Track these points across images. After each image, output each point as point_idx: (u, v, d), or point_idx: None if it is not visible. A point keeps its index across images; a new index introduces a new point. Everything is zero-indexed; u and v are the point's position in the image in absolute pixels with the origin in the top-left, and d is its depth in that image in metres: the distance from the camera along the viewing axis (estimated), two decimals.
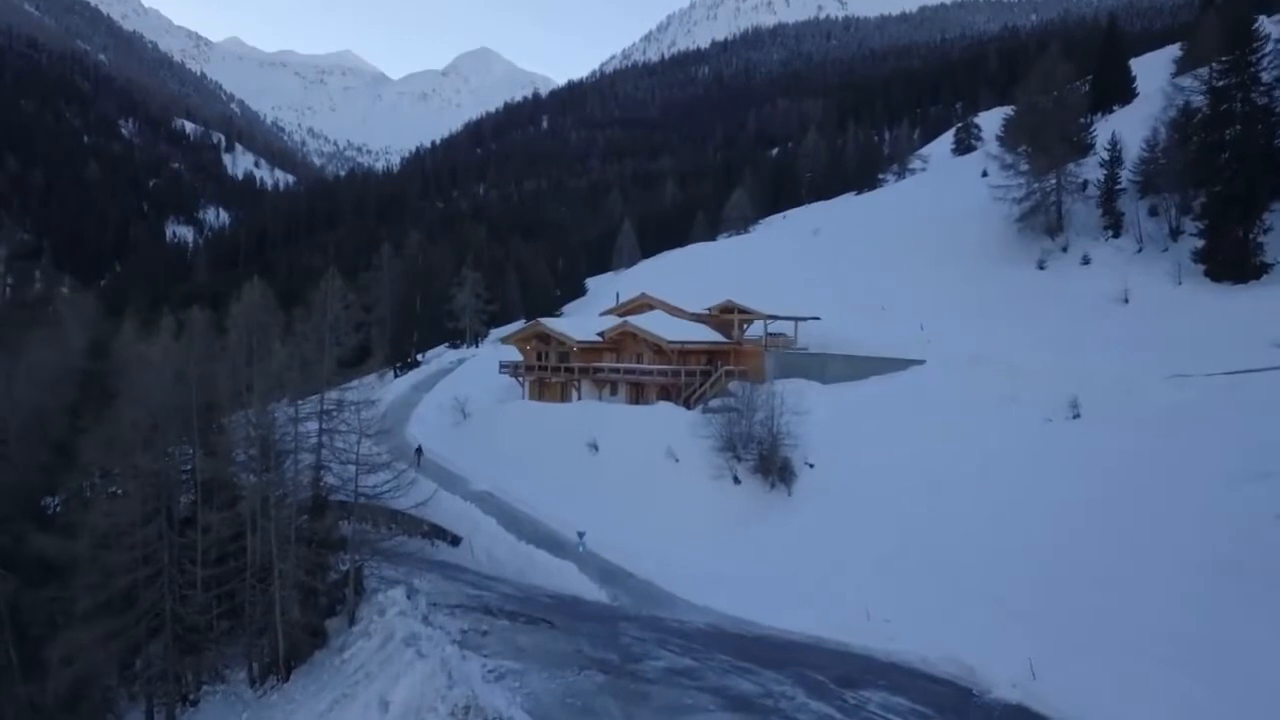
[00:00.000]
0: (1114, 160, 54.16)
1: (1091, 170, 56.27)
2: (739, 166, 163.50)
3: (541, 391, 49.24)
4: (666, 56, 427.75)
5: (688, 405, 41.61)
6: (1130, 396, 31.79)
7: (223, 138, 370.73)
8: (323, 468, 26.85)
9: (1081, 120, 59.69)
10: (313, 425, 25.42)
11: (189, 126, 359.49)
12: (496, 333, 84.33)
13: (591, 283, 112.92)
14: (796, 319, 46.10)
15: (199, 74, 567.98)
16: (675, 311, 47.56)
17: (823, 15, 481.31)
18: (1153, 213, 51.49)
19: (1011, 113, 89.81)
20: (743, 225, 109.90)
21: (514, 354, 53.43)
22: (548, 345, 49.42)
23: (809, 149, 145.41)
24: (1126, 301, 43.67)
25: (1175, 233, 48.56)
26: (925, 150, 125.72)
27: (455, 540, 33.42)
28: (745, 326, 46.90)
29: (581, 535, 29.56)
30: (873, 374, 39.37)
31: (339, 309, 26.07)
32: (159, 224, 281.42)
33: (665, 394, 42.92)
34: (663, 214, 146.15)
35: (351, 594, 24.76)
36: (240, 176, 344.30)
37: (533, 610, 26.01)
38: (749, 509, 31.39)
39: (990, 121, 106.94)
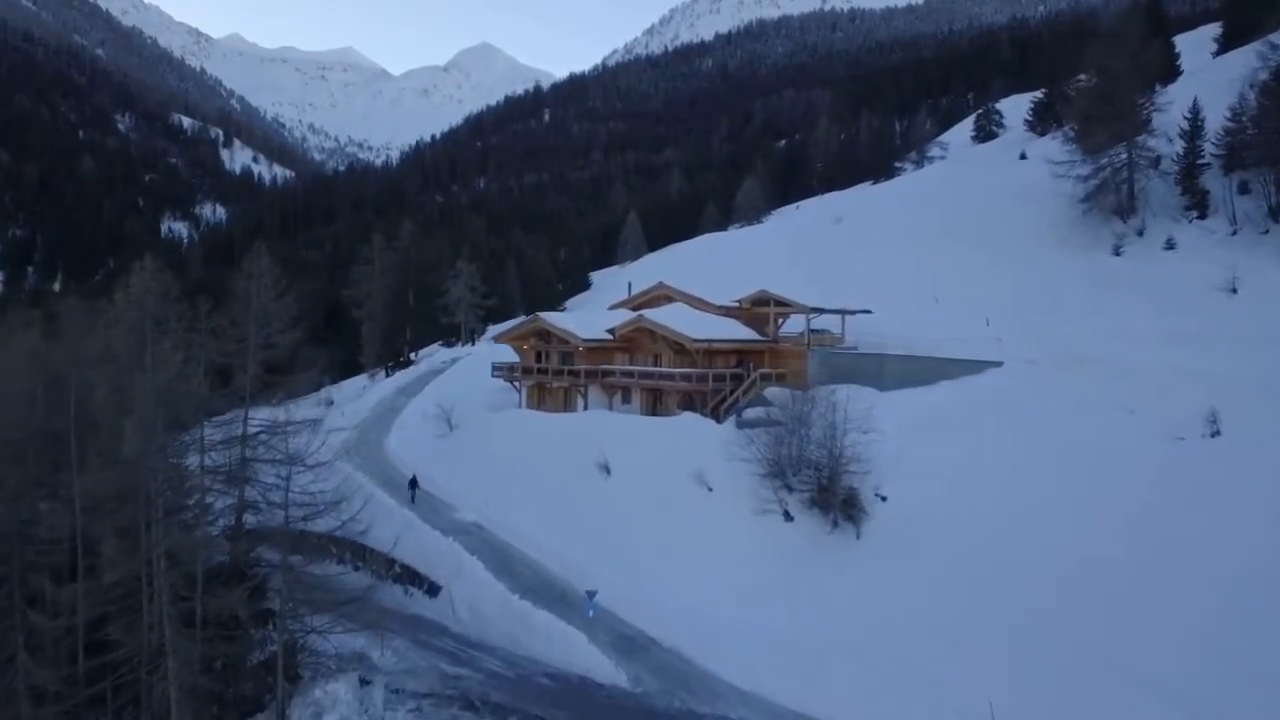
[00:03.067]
0: (1194, 131, 47.47)
1: (1159, 146, 49.64)
2: (748, 157, 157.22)
3: (541, 398, 42.59)
4: (669, 49, 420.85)
5: (715, 416, 34.95)
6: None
7: (221, 133, 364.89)
8: (250, 508, 20.31)
9: (1152, 90, 52.92)
10: (227, 455, 18.82)
11: (186, 122, 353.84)
12: (495, 329, 77.98)
13: (596, 277, 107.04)
14: (844, 312, 39.29)
15: (199, 70, 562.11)
16: (698, 304, 40.80)
17: (827, 7, 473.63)
18: (1243, 190, 44.87)
19: (1041, 95, 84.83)
20: (754, 216, 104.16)
21: (509, 354, 46.76)
22: (548, 344, 42.77)
23: (820, 138, 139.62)
24: (1234, 291, 36.99)
25: (1277, 212, 41.87)
26: (944, 138, 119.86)
27: (433, 589, 26.89)
28: (781, 321, 40.09)
29: (591, 596, 22.91)
30: (941, 378, 32.71)
31: (269, 299, 19.50)
32: (155, 219, 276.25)
33: (688, 402, 36.26)
34: (669, 206, 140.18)
35: (281, 684, 18.20)
36: (238, 172, 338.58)
37: (528, 701, 19.48)
38: (806, 555, 24.65)
39: (1011, 108, 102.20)
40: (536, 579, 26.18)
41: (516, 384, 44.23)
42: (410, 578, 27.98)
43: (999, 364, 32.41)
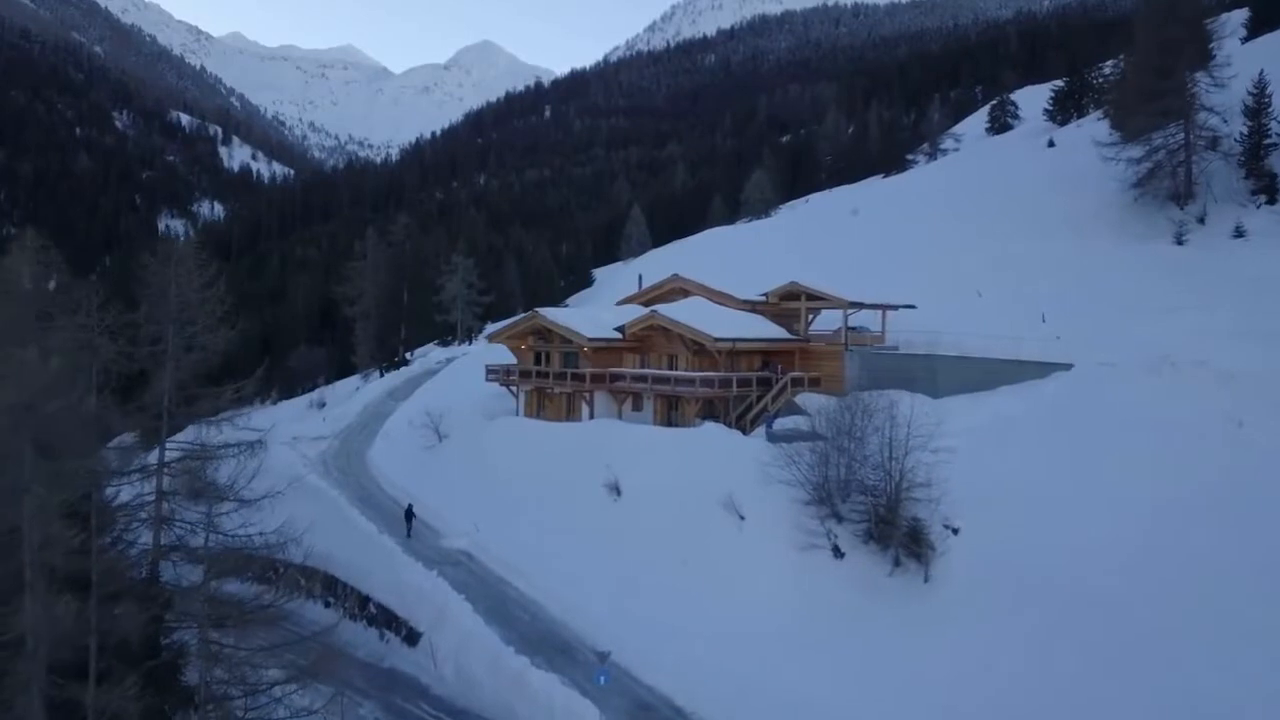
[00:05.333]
0: (1260, 108, 43.20)
1: (1215, 125, 45.37)
2: (753, 151, 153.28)
3: (541, 405, 38.30)
4: (671, 45, 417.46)
5: (740, 426, 30.66)
6: None
7: (219, 130, 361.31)
8: (175, 550, 16.11)
9: (1204, 66, 48.57)
10: (136, 491, 14.58)
11: (185, 119, 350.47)
12: (493, 328, 73.91)
13: (599, 273, 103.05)
14: (885, 307, 34.93)
15: (198, 68, 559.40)
16: (718, 298, 36.42)
17: (831, 2, 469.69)
18: None
19: (1061, 84, 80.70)
20: (763, 209, 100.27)
21: (507, 355, 42.47)
22: (549, 344, 38.48)
23: (828, 131, 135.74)
24: None
25: None
26: (957, 130, 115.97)
27: (412, 636, 22.68)
28: (812, 318, 35.70)
29: (604, 659, 18.59)
30: (1001, 383, 28.47)
31: (192, 290, 15.27)
32: (152, 217, 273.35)
33: (708, 410, 31.96)
34: (673, 200, 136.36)
35: None
36: (237, 170, 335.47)
37: None
38: (862, 602, 20.33)
39: (1025, 99, 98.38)
40: (535, 625, 21.97)
41: (513, 389, 40.01)
42: (386, 620, 23.83)
43: (1068, 366, 28.14)
